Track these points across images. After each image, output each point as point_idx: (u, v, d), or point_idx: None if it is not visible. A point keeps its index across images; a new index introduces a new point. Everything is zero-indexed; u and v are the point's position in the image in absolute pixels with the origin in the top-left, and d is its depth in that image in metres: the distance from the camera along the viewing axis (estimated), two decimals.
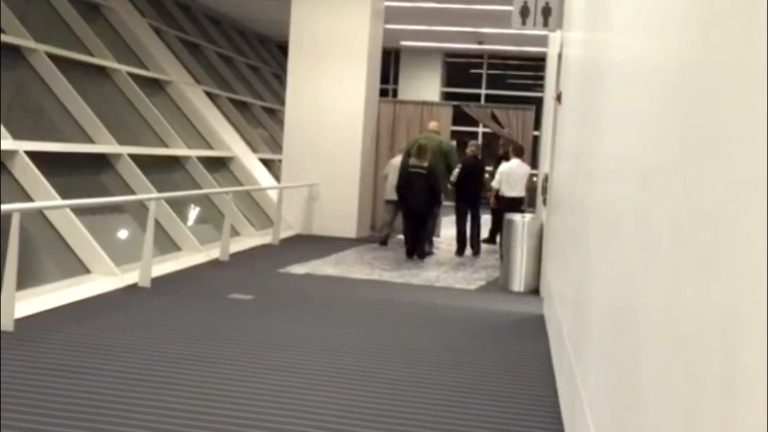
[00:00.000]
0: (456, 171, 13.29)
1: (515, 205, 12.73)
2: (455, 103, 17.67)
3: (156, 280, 9.13)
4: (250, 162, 15.53)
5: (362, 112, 14.82)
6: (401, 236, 13.59)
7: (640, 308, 2.82)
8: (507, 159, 13.63)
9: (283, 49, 19.59)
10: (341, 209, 14.82)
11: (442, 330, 8.03)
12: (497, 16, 16.03)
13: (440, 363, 6.69)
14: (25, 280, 7.70)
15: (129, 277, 9.04)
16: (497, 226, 13.53)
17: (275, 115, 18.98)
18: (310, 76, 14.85)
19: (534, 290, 10.33)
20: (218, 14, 19.59)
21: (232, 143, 15.30)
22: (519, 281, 10.53)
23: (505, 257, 10.72)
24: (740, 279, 1.65)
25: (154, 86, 14.13)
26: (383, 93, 20.29)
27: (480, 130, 22.61)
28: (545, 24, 10.61)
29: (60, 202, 8.72)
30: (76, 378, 5.56)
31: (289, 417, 5.06)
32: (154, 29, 15.36)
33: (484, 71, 25.02)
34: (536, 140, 16.34)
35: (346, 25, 14.74)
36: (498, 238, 13.17)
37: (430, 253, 13.24)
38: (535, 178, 14.41)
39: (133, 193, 10.82)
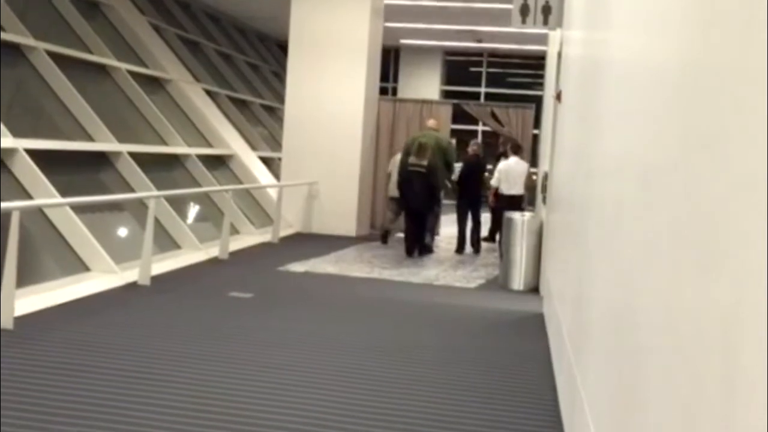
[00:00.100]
0: (457, 170, 13.32)
1: (514, 203, 12.73)
2: (455, 101, 17.67)
3: (156, 278, 9.14)
4: (250, 160, 15.53)
5: (362, 110, 14.82)
6: (401, 234, 13.62)
7: (640, 308, 2.82)
8: (506, 157, 13.63)
9: (282, 47, 19.58)
10: (341, 207, 14.82)
11: (441, 328, 8.03)
12: (497, 14, 16.03)
13: (439, 361, 6.69)
14: (24, 278, 7.70)
15: (129, 275, 9.04)
16: (497, 225, 13.54)
17: (275, 113, 18.97)
18: (310, 75, 14.84)
19: (533, 289, 10.34)
20: (218, 12, 19.58)
21: (231, 141, 15.29)
22: (518, 280, 10.53)
23: (505, 256, 10.72)
24: (740, 279, 1.65)
25: (153, 84, 14.12)
26: (383, 91, 20.28)
27: (480, 128, 22.61)
28: (545, 22, 10.60)
29: (60, 200, 8.72)
30: (76, 376, 5.56)
31: (289, 415, 5.07)
32: (153, 27, 15.35)
33: (483, 69, 25.00)
34: (536, 139, 16.34)
35: (346, 24, 14.74)
36: (497, 237, 13.17)
37: (431, 248, 13.30)
38: (534, 177, 14.41)
39: (132, 191, 10.81)
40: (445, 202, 14.32)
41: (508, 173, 13.08)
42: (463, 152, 14.44)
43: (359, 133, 14.84)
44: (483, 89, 24.80)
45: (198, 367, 5.97)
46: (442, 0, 16.66)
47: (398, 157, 13.74)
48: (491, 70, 25.05)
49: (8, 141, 8.96)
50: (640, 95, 3.24)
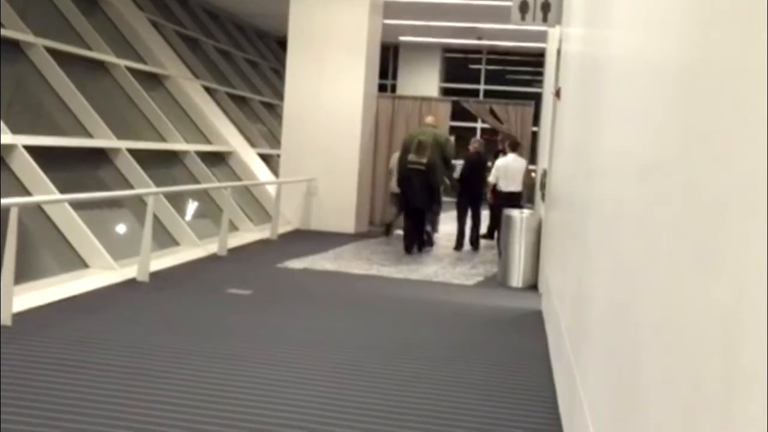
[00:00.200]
0: (459, 167, 13.36)
1: (513, 199, 12.74)
2: (454, 98, 17.67)
3: (154, 275, 9.13)
4: (249, 157, 15.52)
5: (361, 107, 14.82)
6: (400, 231, 13.63)
7: (639, 307, 2.82)
8: (504, 154, 13.64)
9: (281, 44, 19.56)
10: (339, 204, 14.82)
11: (439, 325, 8.04)
12: (496, 11, 16.01)
13: (438, 358, 6.69)
14: (23, 275, 7.70)
15: (127, 271, 9.04)
16: (495, 222, 13.55)
17: (274, 110, 18.96)
18: (309, 72, 14.84)
19: (532, 286, 10.34)
20: (217, 9, 19.56)
21: (230, 138, 15.29)
22: (517, 277, 10.54)
23: (504, 253, 10.73)
24: (740, 279, 1.65)
25: (152, 81, 14.12)
26: (382, 88, 20.28)
27: (479, 125, 22.60)
28: (544, 19, 10.60)
29: (58, 196, 8.72)
30: (75, 372, 5.56)
31: (287, 411, 5.07)
32: (152, 24, 15.34)
33: (482, 67, 24.98)
34: (535, 136, 16.33)
35: (345, 21, 14.73)
36: (496, 234, 13.18)
37: (431, 240, 13.37)
38: (533, 174, 14.42)
39: (131, 187, 10.81)
40: (444, 199, 14.32)
41: (506, 170, 13.08)
42: (463, 150, 14.44)
43: (358, 130, 14.83)
44: (482, 86, 24.79)
45: (196, 364, 5.97)
46: None
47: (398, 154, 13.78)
48: (490, 67, 25.03)
49: (7, 137, 8.95)
50: (640, 93, 3.24)
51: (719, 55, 2.00)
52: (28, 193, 8.75)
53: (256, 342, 6.75)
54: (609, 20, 4.73)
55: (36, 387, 5.21)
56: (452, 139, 14.78)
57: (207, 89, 15.93)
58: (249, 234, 13.13)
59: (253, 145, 16.25)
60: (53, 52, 10.93)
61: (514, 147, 13.44)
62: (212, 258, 10.98)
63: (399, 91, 23.79)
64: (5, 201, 6.86)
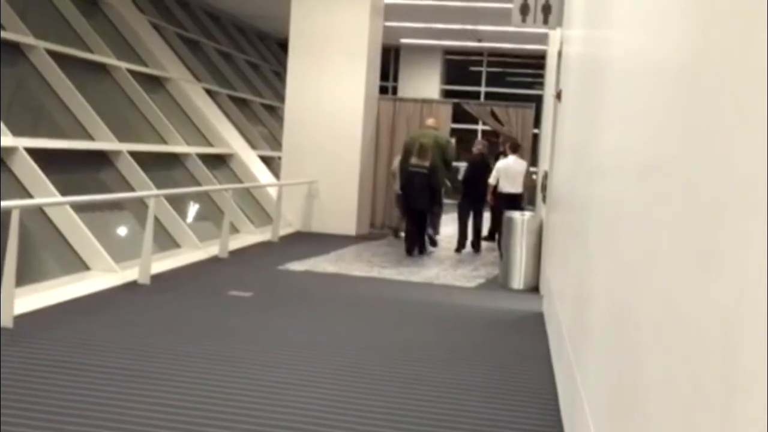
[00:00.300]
0: (462, 170, 13.38)
1: (514, 201, 12.75)
2: (455, 100, 17.67)
3: (155, 277, 9.13)
4: (250, 159, 15.53)
5: (362, 109, 14.82)
6: (401, 233, 13.65)
7: (640, 307, 2.82)
8: (505, 156, 13.66)
9: (282, 46, 19.58)
10: (340, 206, 14.82)
11: (441, 327, 8.03)
12: (497, 13, 16.02)
13: (439, 360, 6.69)
14: (24, 277, 7.70)
15: (128, 274, 9.04)
16: (496, 224, 13.55)
17: (275, 112, 18.97)
18: (310, 74, 14.84)
19: (533, 288, 10.34)
20: (218, 11, 19.57)
21: (231, 140, 15.29)
22: (518, 279, 10.53)
23: (505, 255, 10.72)
24: (740, 279, 1.65)
25: (153, 83, 14.12)
26: (383, 90, 20.28)
27: (479, 127, 22.60)
28: (545, 21, 10.60)
29: (59, 198, 8.72)
30: (76, 375, 5.56)
31: (288, 413, 5.07)
32: (153, 26, 15.35)
33: (483, 69, 25.00)
34: (536, 138, 16.34)
35: (346, 23, 14.73)
36: (497, 236, 13.18)
37: (434, 241, 13.41)
38: (534, 176, 14.42)
39: (132, 190, 10.81)
40: (446, 201, 14.32)
41: (507, 171, 13.09)
42: (465, 152, 14.45)
43: (359, 132, 14.84)
44: (483, 88, 24.80)
45: (198, 366, 5.96)
46: None
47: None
48: (491, 69, 25.04)
49: (8, 140, 8.96)
50: (640, 94, 3.24)
51: (719, 55, 2.00)
52: (29, 196, 8.75)
53: (257, 344, 6.75)
54: (609, 21, 4.73)
55: (37, 389, 5.21)
56: (453, 141, 14.79)
57: (208, 91, 15.94)
58: (250, 236, 13.13)
59: (254, 147, 16.26)
60: (54, 55, 10.94)
61: (515, 149, 13.45)
62: (213, 260, 10.98)
63: (400, 94, 23.80)
64: (6, 203, 6.87)
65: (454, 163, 14.09)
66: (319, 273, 10.73)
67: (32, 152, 9.16)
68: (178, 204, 11.91)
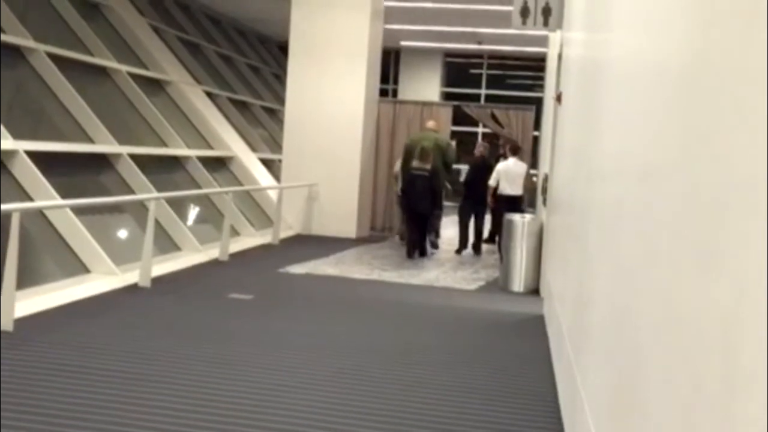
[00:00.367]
0: (464, 172, 13.38)
1: (514, 203, 12.76)
2: (455, 103, 17.67)
3: (156, 280, 9.13)
4: (250, 162, 15.53)
5: (362, 112, 14.83)
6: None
7: (640, 308, 2.82)
8: (505, 158, 13.68)
9: (283, 48, 19.58)
10: (341, 209, 14.82)
11: (441, 330, 8.03)
12: (497, 16, 16.04)
13: (439, 363, 6.68)
14: (25, 280, 7.70)
15: (129, 276, 9.04)
16: (496, 227, 13.56)
17: (275, 114, 18.98)
18: (310, 76, 14.85)
19: (534, 290, 10.33)
20: (218, 14, 19.59)
21: (232, 143, 15.30)
22: (519, 281, 10.53)
23: (505, 257, 10.72)
24: (740, 279, 1.65)
25: (154, 86, 14.13)
26: (383, 93, 20.28)
27: (480, 130, 22.61)
28: (545, 24, 10.60)
29: (60, 201, 8.72)
30: (76, 378, 5.56)
31: (289, 416, 5.06)
32: (153, 29, 15.36)
33: (484, 71, 25.01)
34: (536, 140, 16.34)
35: (346, 25, 14.74)
36: (497, 239, 13.19)
37: (436, 244, 13.41)
38: (534, 179, 14.43)
39: (133, 192, 10.82)
40: (446, 203, 14.32)
41: (507, 173, 13.11)
42: (465, 154, 14.46)
43: (359, 134, 14.84)
44: (483, 91, 24.81)
45: (198, 369, 5.96)
46: (442, 2, 16.66)
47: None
48: (491, 71, 25.05)
49: (8, 143, 8.96)
50: (640, 95, 3.24)
51: (719, 55, 2.00)
52: (29, 199, 8.75)
53: (258, 347, 6.75)
54: (609, 22, 4.73)
55: (37, 392, 5.20)
56: (453, 143, 14.80)
57: (208, 94, 15.95)
58: (250, 239, 13.13)
59: (254, 150, 16.26)
60: (54, 58, 10.94)
61: (515, 151, 13.46)
62: (214, 263, 10.98)
63: (400, 96, 23.81)
64: (7, 206, 6.87)
65: (454, 166, 14.09)
66: (320, 276, 10.73)
67: (32, 155, 9.17)
68: (179, 207, 11.91)
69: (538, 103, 17.47)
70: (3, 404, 4.87)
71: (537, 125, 16.42)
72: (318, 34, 14.77)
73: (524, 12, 10.59)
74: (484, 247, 14.11)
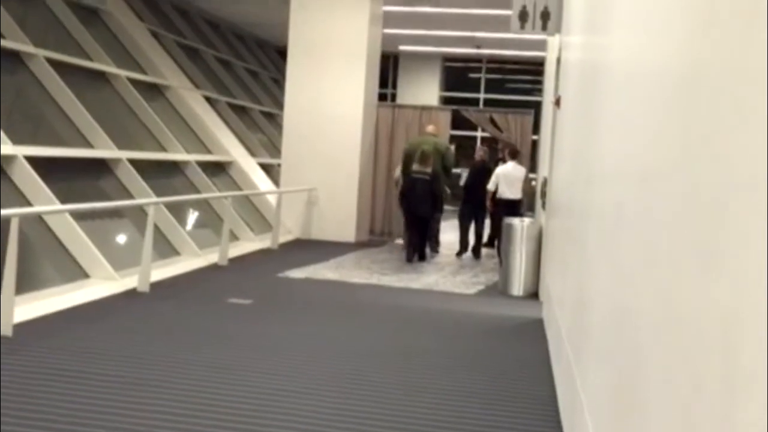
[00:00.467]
0: (463, 176, 13.40)
1: (513, 207, 12.77)
2: (454, 107, 17.68)
3: (155, 285, 9.13)
4: (249, 166, 15.53)
5: (361, 116, 14.83)
6: (399, 240, 13.66)
7: (640, 309, 2.82)
8: (504, 162, 13.69)
9: (281, 53, 19.59)
10: (340, 214, 14.82)
11: (441, 334, 8.02)
12: (496, 20, 16.04)
13: (439, 367, 6.68)
14: (24, 285, 7.69)
15: (128, 281, 9.03)
16: (496, 231, 13.56)
17: (274, 119, 18.98)
18: (309, 81, 14.85)
19: (533, 294, 10.33)
20: (217, 19, 19.60)
21: (231, 148, 15.30)
22: (518, 285, 10.53)
23: (504, 261, 10.72)
24: (740, 279, 1.65)
25: (153, 91, 14.14)
26: (382, 97, 20.30)
27: (479, 134, 22.62)
28: (544, 28, 10.60)
29: (59, 206, 8.72)
30: (75, 383, 5.55)
31: (288, 421, 5.06)
32: (152, 34, 15.37)
33: (482, 75, 25.02)
34: (535, 144, 16.35)
35: (345, 30, 14.74)
36: (496, 243, 13.19)
37: (436, 249, 13.44)
38: (533, 182, 14.43)
39: (132, 197, 10.81)
40: (447, 207, 14.33)
41: (506, 177, 13.11)
42: (464, 158, 14.47)
43: (358, 139, 14.84)
44: (482, 95, 24.82)
45: (197, 374, 5.96)
46: (440, 6, 16.67)
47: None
48: (490, 76, 25.06)
49: (8, 148, 8.96)
50: (640, 96, 3.24)
51: (719, 55, 2.00)
52: (28, 204, 8.75)
53: (257, 351, 6.74)
54: (609, 25, 4.73)
55: (36, 398, 5.20)
56: (452, 147, 14.81)
57: (207, 99, 15.96)
58: (250, 243, 13.13)
59: (253, 154, 16.27)
60: (54, 63, 10.95)
61: (514, 155, 13.47)
62: (213, 268, 10.98)
63: (399, 101, 23.80)
64: (6, 211, 6.86)
65: (454, 170, 14.10)
66: (319, 280, 10.73)
67: (32, 160, 9.16)
68: (178, 212, 11.90)
69: (537, 107, 17.48)
70: (2, 409, 4.87)
71: (536, 129, 16.43)
72: (317, 38, 14.77)
73: (523, 16, 10.60)
74: (484, 251, 14.11)
